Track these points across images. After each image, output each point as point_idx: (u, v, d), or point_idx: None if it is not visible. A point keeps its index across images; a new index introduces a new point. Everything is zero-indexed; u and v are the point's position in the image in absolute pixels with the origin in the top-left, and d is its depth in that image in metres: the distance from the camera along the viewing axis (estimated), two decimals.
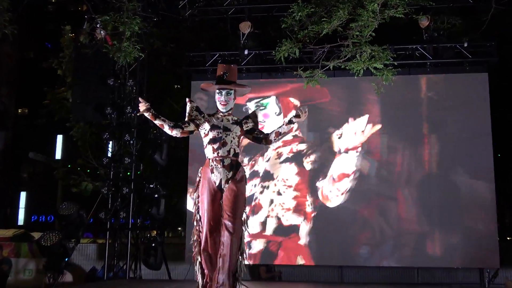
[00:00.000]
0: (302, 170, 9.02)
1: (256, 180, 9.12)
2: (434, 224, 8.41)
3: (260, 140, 4.41)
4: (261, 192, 9.08)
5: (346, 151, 8.89)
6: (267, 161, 9.11)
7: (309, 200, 8.89)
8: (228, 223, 4.14)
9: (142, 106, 4.19)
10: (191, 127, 4.31)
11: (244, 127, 4.41)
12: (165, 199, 9.37)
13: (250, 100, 9.27)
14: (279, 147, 9.11)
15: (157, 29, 11.10)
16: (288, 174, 9.03)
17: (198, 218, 4.30)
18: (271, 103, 9.30)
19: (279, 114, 9.20)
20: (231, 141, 4.32)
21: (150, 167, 10.61)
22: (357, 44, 7.00)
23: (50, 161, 19.81)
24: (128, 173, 9.19)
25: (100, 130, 10.65)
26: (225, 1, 9.67)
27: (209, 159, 4.31)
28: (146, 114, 4.20)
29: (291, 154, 9.08)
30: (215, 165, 4.26)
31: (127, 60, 7.97)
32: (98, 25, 8.40)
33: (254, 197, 9.02)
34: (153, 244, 8.98)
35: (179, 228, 19.74)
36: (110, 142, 9.39)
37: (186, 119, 4.35)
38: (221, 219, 4.18)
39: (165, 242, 10.02)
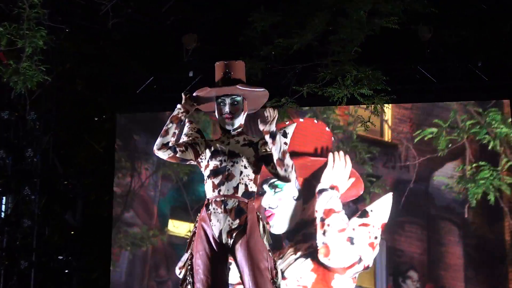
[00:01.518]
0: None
1: None
2: None
3: (277, 174, 3.90)
4: None
5: None
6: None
7: None
8: None
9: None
10: (188, 154, 3.96)
11: (260, 151, 3.94)
12: (80, 274, 9.32)
13: None
14: None
15: (71, 43, 11.03)
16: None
17: (189, 281, 3.87)
18: None
19: None
20: (241, 172, 3.88)
21: (59, 232, 10.45)
22: (338, 63, 7.08)
23: None
24: (29, 240, 9.00)
25: None
26: (163, 6, 9.71)
27: (208, 200, 3.93)
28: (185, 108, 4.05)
29: None
30: (213, 209, 3.86)
31: (27, 85, 7.85)
32: None
33: None
34: None
35: None
36: (4, 198, 9.21)
37: (185, 139, 4.03)
38: None
39: None
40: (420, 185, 8.24)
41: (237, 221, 3.82)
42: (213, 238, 3.86)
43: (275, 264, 3.84)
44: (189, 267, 3.92)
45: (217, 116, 4.07)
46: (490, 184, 7.27)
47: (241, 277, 3.82)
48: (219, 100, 4.01)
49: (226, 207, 3.84)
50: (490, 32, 9.06)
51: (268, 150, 3.87)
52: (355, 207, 8.29)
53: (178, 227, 8.87)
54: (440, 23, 9.05)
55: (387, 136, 8.65)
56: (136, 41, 11.88)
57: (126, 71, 10.87)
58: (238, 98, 4.01)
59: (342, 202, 8.25)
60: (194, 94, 4.10)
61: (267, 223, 7.75)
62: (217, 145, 4.00)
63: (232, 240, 3.81)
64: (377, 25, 6.84)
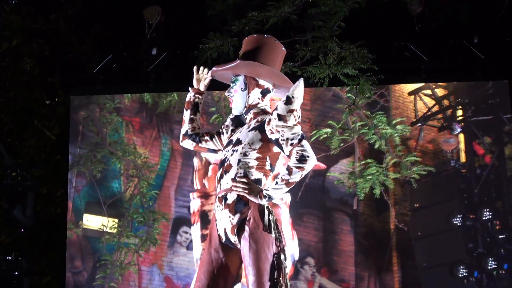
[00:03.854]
0: None
1: None
2: None
3: None
4: None
5: None
6: None
7: None
8: None
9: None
10: (214, 144, 4.10)
11: (268, 133, 3.79)
12: (31, 277, 9.34)
13: None
14: None
15: (18, 17, 10.91)
16: None
17: None
18: None
19: None
20: (239, 160, 3.80)
21: (7, 230, 10.38)
22: (319, 39, 7.06)
23: None
24: None
25: None
26: None
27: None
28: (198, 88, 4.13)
29: None
30: (217, 206, 3.86)
31: None
32: None
33: None
34: None
35: None
36: None
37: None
38: None
39: None
40: (318, 180, 9.38)
41: (238, 215, 3.76)
42: (219, 237, 3.86)
43: (279, 258, 3.71)
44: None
45: None
46: (376, 179, 8.29)
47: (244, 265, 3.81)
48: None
49: (226, 202, 3.80)
50: (486, 4, 9.10)
51: (274, 133, 3.74)
52: None
53: (92, 221, 9.58)
54: None
55: None
56: (91, 15, 11.77)
57: (81, 48, 10.77)
58: (239, 78, 3.99)
59: None
60: (213, 68, 4.10)
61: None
62: (232, 132, 4.04)
63: (236, 236, 3.77)
64: None
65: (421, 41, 9.15)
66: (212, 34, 7.32)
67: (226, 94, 4.03)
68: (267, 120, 3.79)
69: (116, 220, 9.55)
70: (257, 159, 3.80)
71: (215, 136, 4.09)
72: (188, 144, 4.11)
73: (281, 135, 3.71)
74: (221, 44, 7.27)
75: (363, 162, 8.91)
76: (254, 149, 3.80)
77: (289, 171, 3.67)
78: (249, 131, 3.86)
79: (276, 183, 3.70)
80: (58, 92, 12.29)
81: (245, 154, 3.80)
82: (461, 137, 9.37)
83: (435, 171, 8.80)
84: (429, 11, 9.09)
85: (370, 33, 8.34)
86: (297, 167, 3.67)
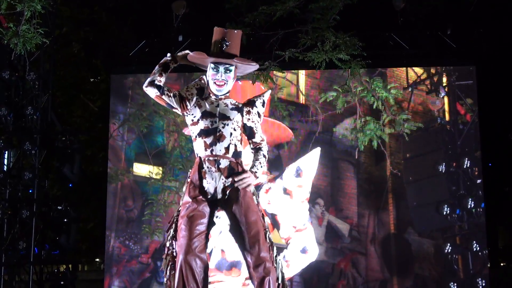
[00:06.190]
0: None
1: None
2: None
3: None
4: None
5: None
6: None
7: None
8: (255, 259, 3.78)
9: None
10: (175, 102, 3.96)
11: (244, 118, 4.02)
12: (77, 223, 9.30)
13: None
14: None
15: (67, 8, 10.90)
16: None
17: (173, 235, 3.90)
18: None
19: None
20: (231, 133, 3.91)
21: (57, 184, 10.44)
22: (318, 29, 7.03)
23: None
24: (30, 192, 9.02)
25: None
26: None
27: (200, 158, 3.92)
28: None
29: None
30: (207, 167, 3.88)
31: (27, 47, 7.74)
32: None
33: None
34: (62, 282, 8.89)
35: (97, 260, 19.45)
36: (6, 152, 9.18)
37: (179, 91, 4.01)
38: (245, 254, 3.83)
39: (79, 278, 9.92)
40: (326, 135, 9.76)
41: (230, 179, 3.86)
42: (205, 195, 3.86)
43: (263, 217, 3.93)
44: (175, 220, 3.93)
45: (207, 78, 4.03)
46: (374, 134, 8.25)
47: (234, 227, 3.88)
48: (214, 65, 3.99)
49: (219, 166, 3.87)
50: (458, 2, 9.06)
51: (252, 120, 4.00)
52: (277, 153, 9.81)
53: (140, 169, 9.91)
54: None
55: (301, 99, 10.01)
56: (128, 7, 11.77)
57: (119, 35, 10.78)
58: (232, 68, 4.00)
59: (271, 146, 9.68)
60: (190, 53, 4.04)
61: None
62: (207, 105, 3.96)
63: (226, 196, 3.86)
64: None
65: (403, 32, 9.14)
66: (229, 24, 7.29)
67: (220, 76, 3.98)
68: (245, 109, 4.00)
69: (161, 168, 9.85)
70: (240, 134, 3.98)
71: (177, 96, 3.97)
72: (152, 92, 3.95)
73: (256, 127, 4.02)
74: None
75: (363, 119, 8.85)
76: (238, 127, 3.96)
77: (265, 157, 4.02)
78: (231, 109, 3.97)
79: (261, 166, 3.98)
80: (101, 71, 12.35)
81: (234, 129, 3.92)
82: (446, 99, 9.59)
83: (424, 127, 8.82)
84: (410, 7, 9.07)
85: (361, 25, 8.31)
86: (266, 155, 4.04)
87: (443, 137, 9.61)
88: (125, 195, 9.86)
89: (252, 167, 3.95)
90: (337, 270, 9.49)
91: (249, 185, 3.88)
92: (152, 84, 3.93)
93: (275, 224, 9.44)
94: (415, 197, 9.55)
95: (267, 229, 3.90)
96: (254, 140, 4.03)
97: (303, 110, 9.89)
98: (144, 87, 3.97)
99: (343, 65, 7.18)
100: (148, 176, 9.84)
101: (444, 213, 9.32)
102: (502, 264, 16.59)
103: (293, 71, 9.73)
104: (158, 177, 9.82)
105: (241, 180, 3.85)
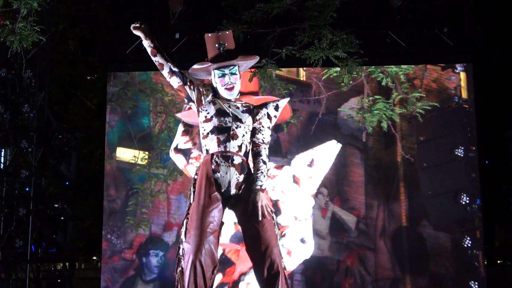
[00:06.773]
0: None
1: None
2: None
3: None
4: None
5: None
6: None
7: None
8: (267, 258, 3.82)
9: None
10: (194, 94, 4.03)
11: (254, 120, 4.07)
12: (74, 221, 9.27)
13: None
14: None
15: (63, 5, 10.88)
16: None
17: (185, 231, 3.93)
18: None
19: None
20: (243, 135, 4.00)
21: (54, 182, 10.44)
22: (315, 27, 7.02)
23: None
24: (26, 190, 9.05)
25: None
26: None
27: (212, 154, 3.96)
28: (137, 33, 4.09)
29: None
30: (221, 161, 3.93)
31: (23, 45, 7.73)
32: None
33: None
34: (59, 280, 8.90)
35: (94, 258, 19.44)
36: (2, 150, 9.23)
37: (199, 85, 4.07)
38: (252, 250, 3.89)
39: (76, 276, 9.91)
40: (330, 117, 9.00)
41: (242, 176, 3.94)
42: (218, 189, 3.92)
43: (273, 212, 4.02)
44: (187, 215, 3.97)
45: (216, 85, 4.07)
46: (383, 114, 7.88)
47: (244, 221, 3.94)
48: (218, 70, 4.04)
49: (233, 162, 3.94)
50: (455, 0, 9.07)
51: (261, 122, 4.05)
52: (276, 136, 8.96)
53: (124, 154, 9.27)
54: None
55: (302, 76, 9.27)
56: (125, 4, 11.75)
57: (116, 32, 10.75)
58: (236, 68, 4.06)
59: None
60: (194, 66, 4.11)
61: None
62: (221, 104, 4.02)
63: (240, 191, 3.94)
64: None
65: (400, 29, 9.12)
66: (226, 22, 7.27)
67: (228, 80, 4.03)
68: (255, 111, 4.06)
69: (147, 153, 9.23)
70: (249, 136, 4.06)
71: (196, 90, 4.06)
72: (175, 81, 4.05)
73: (261, 127, 4.06)
74: (232, 30, 7.22)
75: (371, 98, 8.41)
76: (249, 130, 4.05)
77: (265, 164, 4.02)
78: (242, 112, 4.04)
79: (264, 176, 3.97)
80: (97, 69, 12.32)
81: (246, 132, 4.01)
82: (463, 75, 8.95)
83: (439, 106, 8.24)
84: (407, 5, 9.06)
85: (358, 22, 8.29)
86: (266, 161, 4.04)
87: (460, 118, 8.84)
88: (107, 183, 9.23)
89: (256, 181, 3.95)
90: (343, 267, 8.82)
91: (265, 204, 3.89)
92: (173, 73, 4.03)
93: (275, 210, 9.14)
94: (430, 185, 8.76)
95: (277, 224, 3.99)
96: (254, 139, 4.06)
97: (304, 89, 9.15)
98: (168, 78, 4.06)
99: (340, 63, 7.17)
100: (132, 162, 9.22)
101: (463, 203, 8.55)
102: (498, 262, 16.70)
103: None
104: (144, 163, 9.18)
105: (259, 213, 3.86)
